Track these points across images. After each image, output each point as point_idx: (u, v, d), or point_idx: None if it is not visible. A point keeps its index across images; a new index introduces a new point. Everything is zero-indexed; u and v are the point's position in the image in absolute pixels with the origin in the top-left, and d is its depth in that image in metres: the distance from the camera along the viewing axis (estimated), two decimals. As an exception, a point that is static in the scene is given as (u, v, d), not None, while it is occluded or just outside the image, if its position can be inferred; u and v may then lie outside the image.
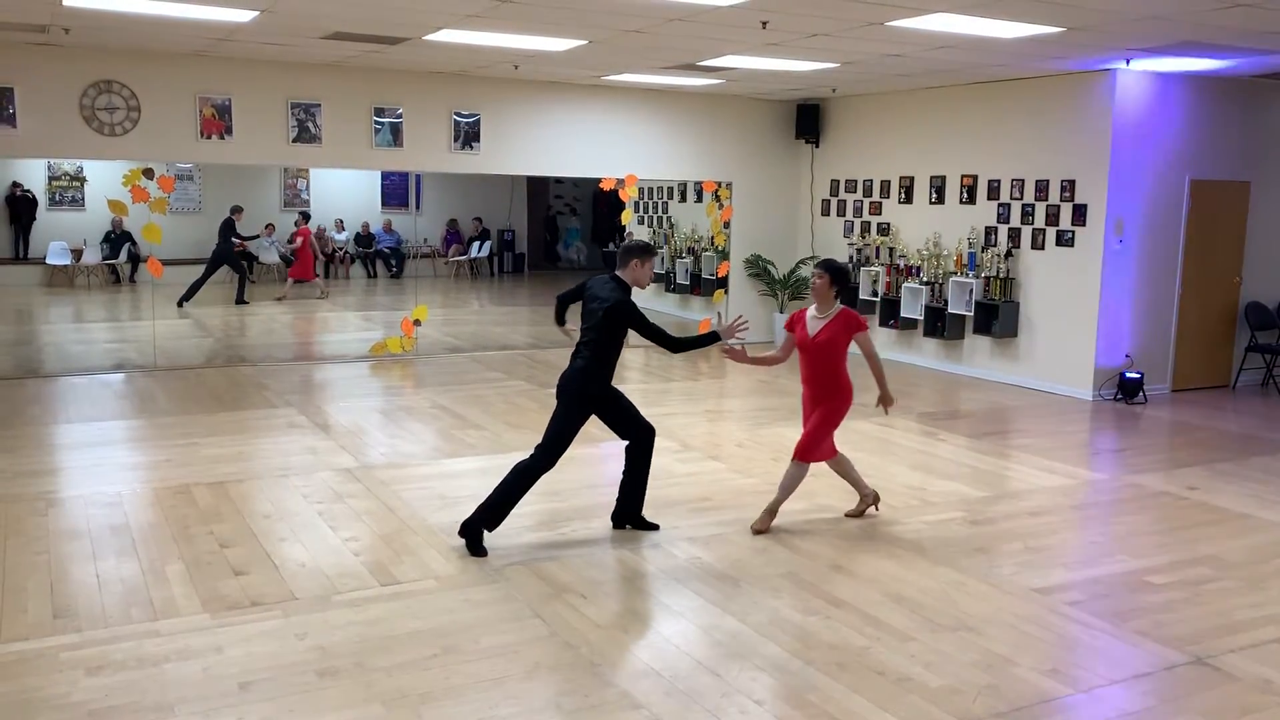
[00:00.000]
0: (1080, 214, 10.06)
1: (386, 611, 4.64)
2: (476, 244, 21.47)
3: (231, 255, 15.77)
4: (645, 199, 16.50)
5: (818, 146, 13.23)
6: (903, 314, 11.78)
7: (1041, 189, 10.42)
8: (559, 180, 22.32)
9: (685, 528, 5.86)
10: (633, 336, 5.56)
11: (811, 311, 5.84)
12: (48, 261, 17.77)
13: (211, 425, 8.18)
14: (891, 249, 12.09)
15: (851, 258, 12.60)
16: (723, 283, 13.33)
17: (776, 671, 4.13)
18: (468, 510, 5.53)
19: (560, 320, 5.96)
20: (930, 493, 6.74)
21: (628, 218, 13.71)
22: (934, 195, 11.63)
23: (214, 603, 4.69)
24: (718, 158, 12.89)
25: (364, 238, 20.30)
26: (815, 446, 5.81)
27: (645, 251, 5.52)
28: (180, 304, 15.12)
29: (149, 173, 10.36)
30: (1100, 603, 4.93)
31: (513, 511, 5.48)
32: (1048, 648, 4.42)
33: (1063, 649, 4.43)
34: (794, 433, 6.18)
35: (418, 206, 20.41)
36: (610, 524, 5.83)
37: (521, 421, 8.46)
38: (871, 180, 12.50)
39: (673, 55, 9.53)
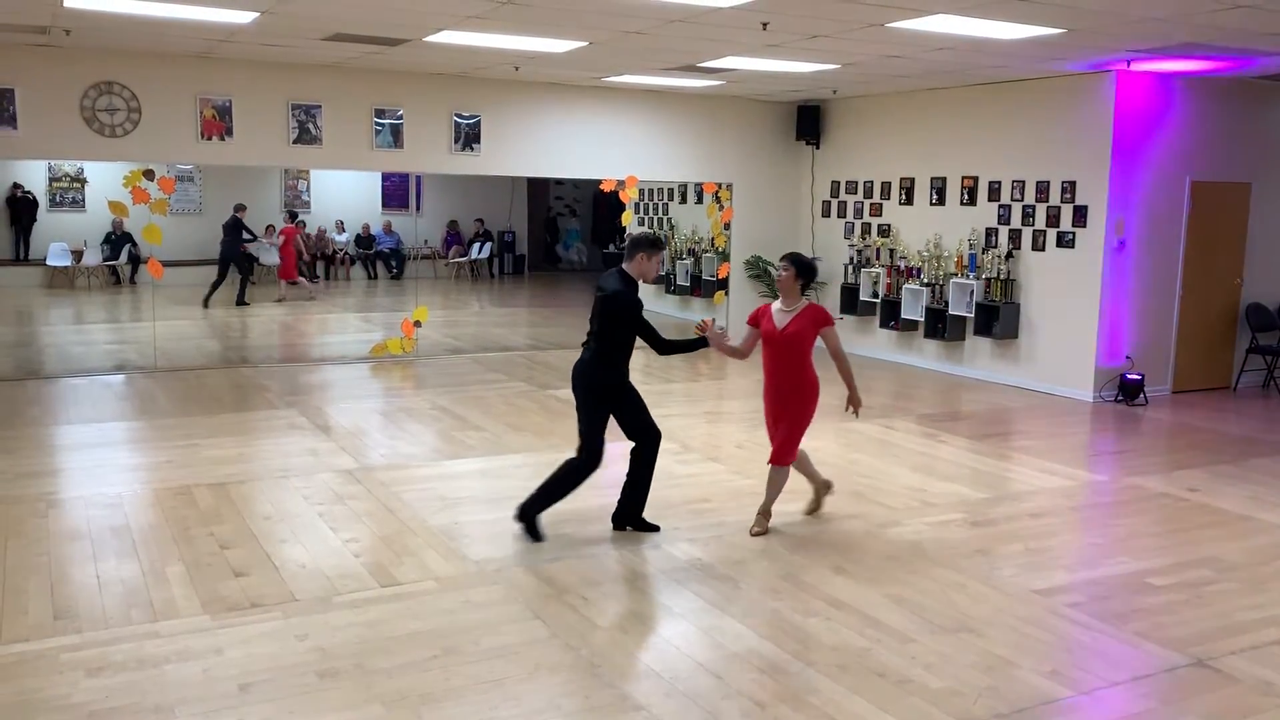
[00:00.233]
0: (1081, 215, 10.06)
1: (387, 613, 4.64)
2: (477, 245, 21.47)
3: (238, 255, 15.80)
4: (645, 200, 16.51)
5: (818, 148, 13.22)
6: (903, 315, 11.78)
7: (1042, 190, 10.42)
8: (559, 182, 22.34)
9: (685, 529, 5.86)
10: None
11: (777, 305, 5.80)
12: (48, 263, 17.77)
13: (212, 426, 8.18)
14: (892, 250, 12.09)
15: (852, 259, 12.61)
16: (723, 284, 13.33)
17: (777, 673, 4.13)
18: (468, 510, 5.53)
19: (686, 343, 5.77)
20: (931, 494, 6.74)
21: (628, 219, 13.72)
22: (934, 196, 11.63)
23: (214, 604, 4.69)
24: (718, 159, 12.89)
25: (364, 239, 20.31)
26: (793, 449, 5.79)
27: (652, 245, 5.52)
28: (205, 304, 15.38)
29: (149, 174, 10.37)
30: (1101, 604, 4.93)
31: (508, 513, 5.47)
32: (1048, 649, 4.42)
33: (1063, 650, 4.43)
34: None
35: (418, 208, 20.42)
36: (610, 525, 5.83)
37: (522, 423, 8.44)
38: (872, 181, 12.50)
39: (673, 56, 9.53)
